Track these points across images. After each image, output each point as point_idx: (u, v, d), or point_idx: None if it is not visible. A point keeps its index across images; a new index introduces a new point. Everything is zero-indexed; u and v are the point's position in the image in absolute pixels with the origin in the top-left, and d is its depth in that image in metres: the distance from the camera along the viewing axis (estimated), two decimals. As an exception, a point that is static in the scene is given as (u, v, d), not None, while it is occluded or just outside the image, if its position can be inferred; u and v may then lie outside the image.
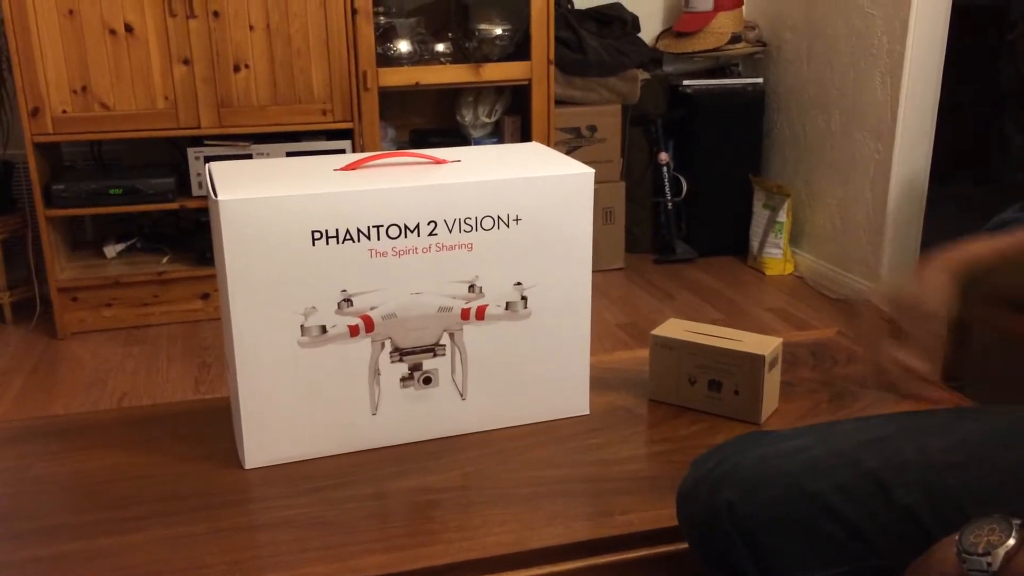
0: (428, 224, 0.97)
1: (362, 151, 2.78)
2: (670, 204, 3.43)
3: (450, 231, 0.98)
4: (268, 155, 2.70)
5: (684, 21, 3.38)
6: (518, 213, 1.00)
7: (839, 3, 2.97)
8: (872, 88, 2.84)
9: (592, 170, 1.04)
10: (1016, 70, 4.40)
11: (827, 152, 3.10)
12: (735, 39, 3.38)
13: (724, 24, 3.34)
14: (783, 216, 3.24)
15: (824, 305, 2.97)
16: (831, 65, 3.05)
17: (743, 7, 3.42)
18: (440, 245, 0.98)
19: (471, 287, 1.01)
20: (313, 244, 0.92)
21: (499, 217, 0.99)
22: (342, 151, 2.75)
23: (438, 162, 1.05)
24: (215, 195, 0.89)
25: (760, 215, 3.33)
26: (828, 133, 3.09)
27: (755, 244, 3.35)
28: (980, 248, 0.91)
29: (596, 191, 3.44)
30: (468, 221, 0.98)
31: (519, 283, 1.03)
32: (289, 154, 2.71)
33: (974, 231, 1.89)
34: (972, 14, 3.88)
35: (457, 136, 3.16)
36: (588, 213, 1.04)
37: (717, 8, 3.33)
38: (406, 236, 0.96)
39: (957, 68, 3.07)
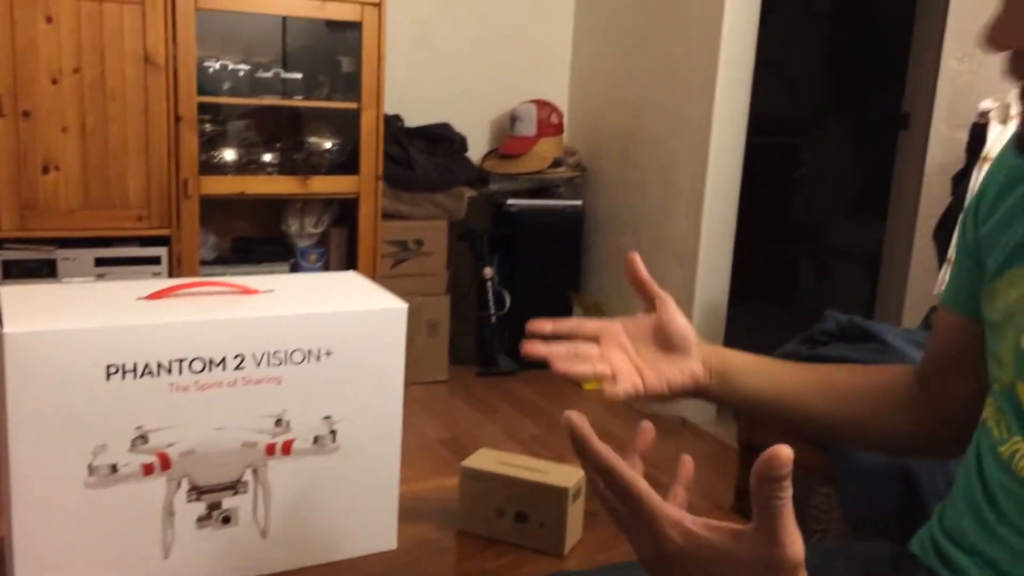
0: (235, 358, 0.95)
1: (179, 259, 2.70)
2: (494, 318, 3.51)
3: (258, 365, 0.96)
4: (75, 260, 2.57)
5: (509, 144, 3.55)
6: (329, 347, 1.00)
7: (649, 137, 3.22)
8: (678, 217, 3.07)
9: (405, 305, 1.06)
10: (804, 203, 4.89)
11: (639, 273, 3.30)
12: (556, 163, 3.57)
13: (546, 149, 3.54)
14: (600, 332, 3.39)
15: (636, 420, 3.09)
16: (642, 193, 3.27)
17: (564, 134, 3.64)
18: (247, 379, 0.96)
19: (278, 421, 0.99)
20: (108, 379, 0.89)
21: (310, 351, 0.99)
22: (157, 259, 2.66)
23: (249, 292, 1.04)
24: (1, 326, 0.84)
25: (579, 330, 3.47)
26: (640, 255, 3.29)
27: (574, 358, 3.47)
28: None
29: (421, 304, 3.45)
30: (277, 355, 0.97)
31: (328, 416, 1.02)
32: (98, 260, 2.59)
33: (773, 347, 2.05)
34: (766, 151, 4.30)
35: (282, 245, 3.13)
36: (401, 347, 1.06)
37: (540, 134, 3.52)
38: (211, 370, 0.94)
39: (755, 198, 3.38)
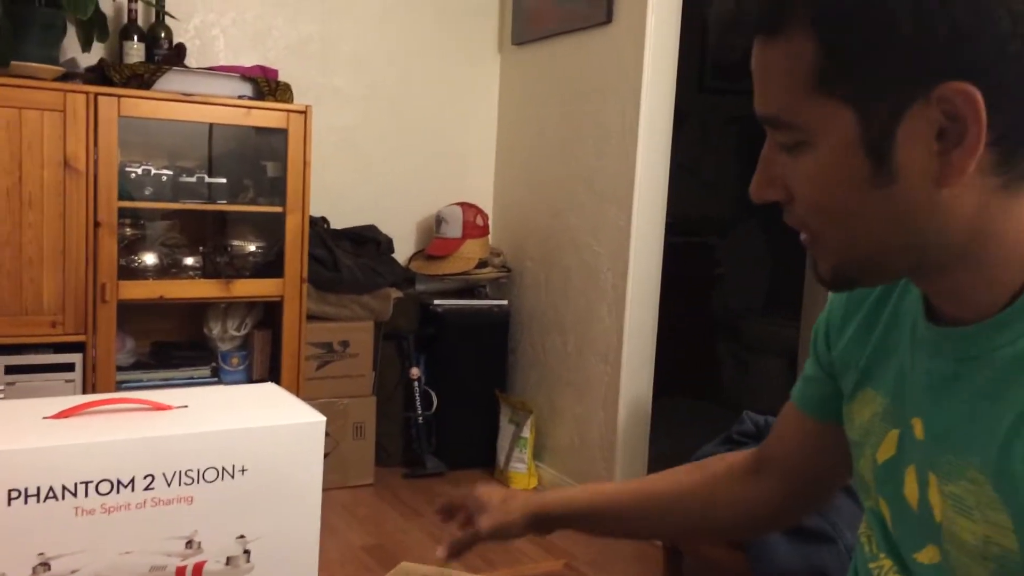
0: (145, 478, 0.93)
1: (94, 366, 2.62)
2: (421, 418, 3.48)
3: (169, 485, 0.94)
4: (-17, 368, 2.48)
5: (435, 245, 3.60)
6: (244, 464, 0.99)
7: (571, 239, 3.30)
8: (601, 317, 3.13)
9: (323, 418, 1.06)
10: (724, 300, 5.03)
11: (565, 372, 3.33)
12: (482, 264, 3.62)
13: (472, 250, 3.59)
14: (527, 431, 3.39)
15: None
16: (566, 294, 3.33)
17: (489, 236, 3.70)
18: (156, 500, 0.94)
19: (189, 543, 0.96)
20: (9, 504, 0.86)
21: (223, 468, 0.97)
22: (71, 365, 2.58)
23: (161, 408, 1.02)
24: None
25: (506, 430, 3.46)
26: (565, 355, 3.33)
27: (502, 458, 3.45)
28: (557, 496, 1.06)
29: (347, 406, 3.39)
30: (189, 473, 0.95)
31: (242, 536, 1.00)
32: (8, 368, 2.50)
33: (696, 443, 2.08)
34: (685, 250, 4.45)
35: (204, 349, 3.07)
36: (318, 461, 1.05)
37: (465, 236, 3.58)
38: (119, 491, 0.91)
39: (677, 296, 3.47)
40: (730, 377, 4.90)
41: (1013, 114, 0.62)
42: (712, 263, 5.01)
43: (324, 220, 3.41)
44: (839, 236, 0.69)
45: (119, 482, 0.91)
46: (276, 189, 2.97)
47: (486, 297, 3.70)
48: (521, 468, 3.38)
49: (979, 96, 0.61)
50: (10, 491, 0.85)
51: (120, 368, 2.78)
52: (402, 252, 3.64)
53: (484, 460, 3.52)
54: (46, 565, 0.88)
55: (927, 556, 0.72)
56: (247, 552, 1.00)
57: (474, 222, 3.61)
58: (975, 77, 0.61)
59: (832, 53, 0.64)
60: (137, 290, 2.71)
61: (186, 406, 1.04)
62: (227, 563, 0.99)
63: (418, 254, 3.69)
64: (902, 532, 0.76)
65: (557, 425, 3.38)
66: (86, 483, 0.89)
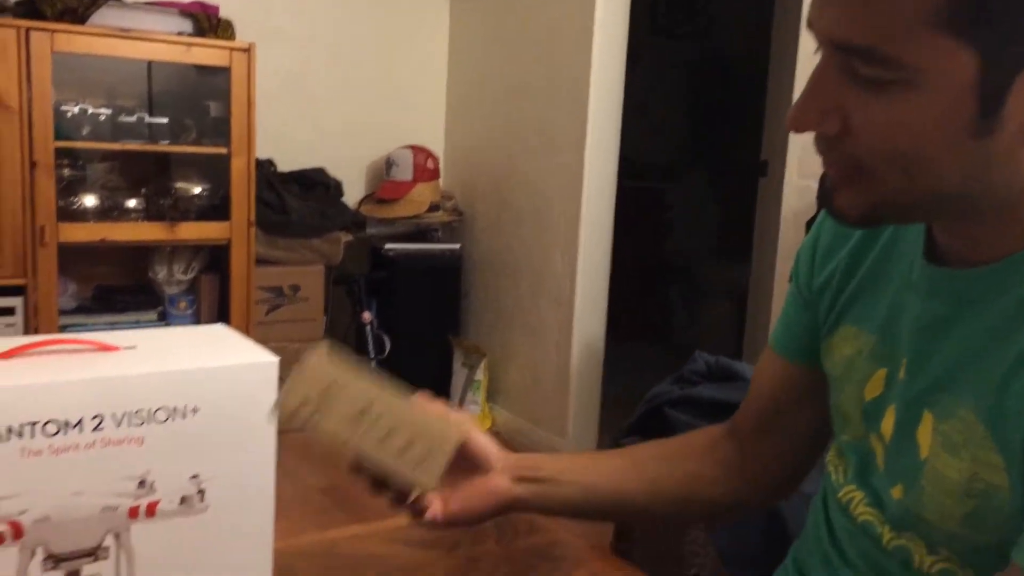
0: (93, 419, 0.91)
1: (36, 309, 2.55)
2: (373, 362, 3.47)
3: (118, 426, 0.92)
4: (-83, 314, 2.40)
5: (385, 189, 3.55)
6: (196, 404, 0.97)
7: (523, 183, 3.28)
8: (553, 260, 3.13)
9: (276, 358, 1.04)
10: (675, 245, 5.08)
11: (518, 315, 3.34)
12: (433, 208, 3.59)
13: (423, 193, 3.55)
14: (480, 374, 3.40)
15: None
16: (519, 237, 3.32)
17: (440, 179, 3.66)
18: (106, 440, 0.92)
19: (141, 483, 0.95)
20: (-49, 446, 0.83)
21: (175, 408, 0.96)
22: (11, 309, 2.51)
23: (108, 349, 1.00)
24: None
25: (459, 373, 3.47)
26: (518, 298, 3.33)
27: (455, 401, 3.47)
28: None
29: (298, 350, 3.37)
30: (139, 414, 0.93)
31: (196, 476, 0.98)
32: (-56, 314, 2.43)
33: (648, 385, 2.11)
34: (637, 195, 4.46)
35: (150, 293, 3.01)
36: (272, 402, 1.03)
37: (416, 179, 3.53)
38: (66, 433, 0.89)
39: (628, 240, 3.49)
40: (681, 320, 4.97)
41: None
42: (662, 207, 5.03)
43: (271, 163, 3.33)
44: (902, 181, 0.63)
45: (67, 423, 0.89)
46: (220, 130, 2.89)
47: (438, 241, 3.68)
48: (475, 410, 3.41)
49: None
50: (-48, 433, 0.83)
51: (63, 312, 2.72)
52: (352, 195, 3.58)
53: (437, 403, 3.53)
54: (-7, 507, 0.86)
55: (898, 492, 0.73)
56: (201, 492, 0.99)
57: (425, 165, 3.56)
58: None
59: None
60: (78, 232, 2.63)
61: (134, 347, 1.02)
62: (181, 503, 0.97)
63: (368, 197, 3.64)
64: (882, 468, 0.77)
65: (510, 367, 3.40)
66: (32, 424, 0.87)
